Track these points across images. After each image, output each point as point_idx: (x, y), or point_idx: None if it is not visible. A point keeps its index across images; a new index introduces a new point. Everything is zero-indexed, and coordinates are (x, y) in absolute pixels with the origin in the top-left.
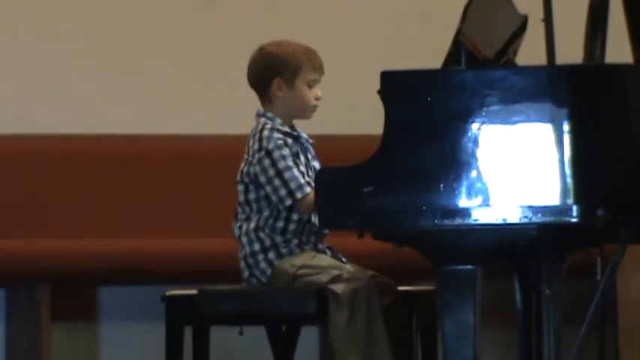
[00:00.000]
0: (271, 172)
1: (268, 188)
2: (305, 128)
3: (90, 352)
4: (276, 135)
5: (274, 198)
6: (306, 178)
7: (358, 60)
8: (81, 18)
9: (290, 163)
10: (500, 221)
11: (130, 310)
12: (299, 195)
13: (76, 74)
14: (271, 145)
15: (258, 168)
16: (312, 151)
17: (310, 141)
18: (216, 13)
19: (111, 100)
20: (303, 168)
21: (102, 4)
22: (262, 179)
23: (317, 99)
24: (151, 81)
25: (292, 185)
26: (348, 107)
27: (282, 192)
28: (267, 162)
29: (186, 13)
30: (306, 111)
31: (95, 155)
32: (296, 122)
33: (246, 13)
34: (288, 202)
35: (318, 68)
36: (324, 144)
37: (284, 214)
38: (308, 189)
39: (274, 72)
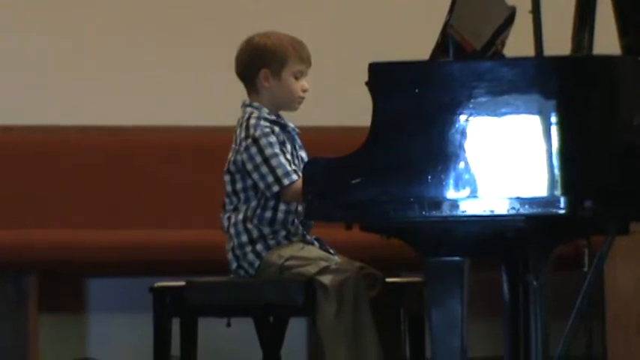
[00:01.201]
0: (258, 159)
1: (255, 175)
2: (292, 119)
3: (78, 343)
4: (263, 123)
5: (261, 185)
6: (293, 167)
7: (346, 51)
8: (69, 11)
9: (277, 150)
10: (487, 213)
11: (118, 302)
12: (286, 182)
13: (65, 67)
14: (258, 133)
15: (245, 155)
16: (299, 140)
17: (297, 130)
18: (204, 4)
19: (98, 92)
20: (289, 156)
21: None
22: (249, 166)
23: (304, 91)
24: (139, 73)
25: (279, 172)
26: (336, 99)
27: (269, 179)
28: (254, 149)
29: (173, 5)
30: (292, 102)
31: (83, 147)
32: (283, 114)
33: (234, 5)
34: (275, 188)
35: (306, 60)
36: (311, 135)
37: (272, 203)
38: (295, 176)
39: (261, 63)
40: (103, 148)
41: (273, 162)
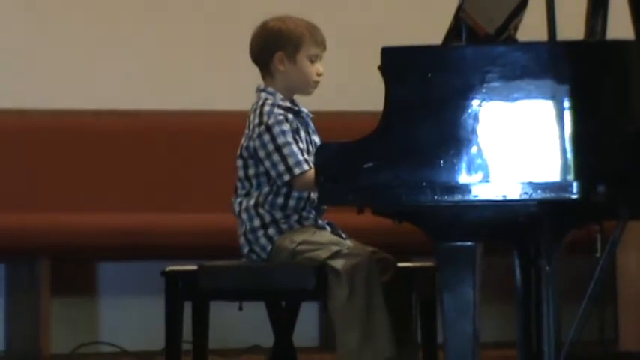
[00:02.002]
0: (270, 147)
1: (267, 163)
2: (305, 104)
3: (90, 327)
4: (277, 110)
5: (273, 173)
6: (305, 156)
7: (359, 36)
8: None
9: (289, 139)
10: (500, 198)
11: (130, 285)
12: (297, 171)
13: (74, 49)
14: (271, 120)
15: (257, 143)
16: (312, 125)
17: (310, 115)
18: None
19: (112, 76)
20: (302, 145)
21: None
22: (261, 154)
23: (319, 75)
24: (151, 56)
25: (291, 161)
26: (348, 83)
27: (281, 167)
28: (266, 137)
29: None
30: (307, 86)
31: (96, 131)
32: (296, 98)
33: None
34: (286, 177)
35: (320, 44)
36: (324, 120)
37: (284, 190)
38: (306, 166)
39: (276, 46)
40: (116, 132)
41: (285, 151)
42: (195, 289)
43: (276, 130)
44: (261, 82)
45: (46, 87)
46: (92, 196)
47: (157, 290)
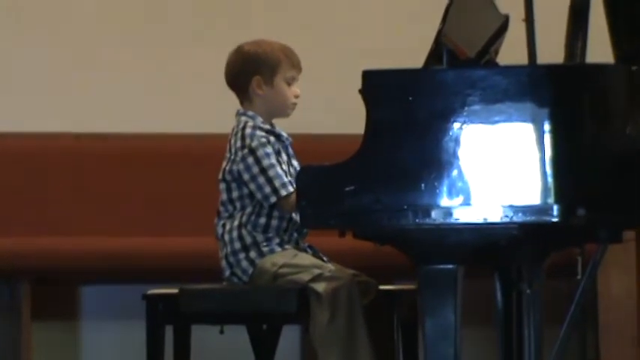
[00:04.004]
0: (255, 169)
1: (252, 186)
2: (287, 127)
3: (70, 351)
4: (259, 133)
5: (259, 196)
6: (288, 177)
7: (339, 59)
8: (64, 21)
9: (273, 161)
10: (481, 220)
11: (111, 309)
12: (283, 192)
13: (58, 72)
14: (255, 143)
15: (241, 166)
16: (292, 150)
17: (290, 140)
18: (196, 13)
19: (93, 98)
20: (285, 166)
21: (83, 3)
22: (246, 177)
23: (296, 97)
24: (132, 79)
25: (277, 183)
26: (329, 106)
27: (267, 189)
28: (250, 160)
29: (166, 15)
30: (286, 108)
31: (77, 153)
32: (276, 120)
33: (225, 14)
34: (273, 199)
35: (296, 65)
36: (305, 143)
37: (266, 210)
38: (291, 188)
39: (253, 70)
40: (97, 155)
41: (271, 173)
42: (177, 313)
43: (260, 152)
44: (239, 107)
45: (27, 110)
46: (73, 219)
47: (138, 314)
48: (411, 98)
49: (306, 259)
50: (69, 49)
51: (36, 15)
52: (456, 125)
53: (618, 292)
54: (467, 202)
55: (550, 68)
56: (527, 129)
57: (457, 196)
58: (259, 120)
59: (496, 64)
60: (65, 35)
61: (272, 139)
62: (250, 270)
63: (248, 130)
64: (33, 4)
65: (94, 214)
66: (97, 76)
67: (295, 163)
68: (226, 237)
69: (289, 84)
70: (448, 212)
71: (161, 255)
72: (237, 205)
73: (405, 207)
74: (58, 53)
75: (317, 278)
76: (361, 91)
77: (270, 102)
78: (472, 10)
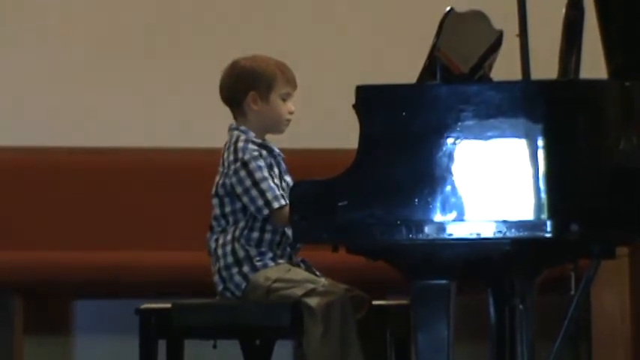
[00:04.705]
0: (248, 182)
1: (245, 199)
2: (280, 141)
3: None
4: (252, 146)
5: (252, 208)
6: (281, 191)
7: (333, 74)
8: (57, 32)
9: (266, 174)
10: (474, 236)
11: (104, 324)
12: (276, 205)
13: (48, 86)
14: (247, 156)
15: (234, 179)
16: (284, 165)
17: (282, 155)
18: (190, 26)
19: (84, 112)
20: (277, 180)
21: (74, 16)
22: (239, 190)
23: (290, 113)
24: (126, 94)
25: (269, 195)
26: (323, 121)
27: (260, 202)
28: (243, 173)
29: (160, 27)
30: (280, 125)
31: (70, 168)
32: (268, 135)
33: (220, 27)
34: (266, 212)
35: (292, 82)
36: (298, 158)
37: (259, 224)
38: (284, 201)
39: (249, 85)
40: (90, 170)
41: (263, 185)
42: (170, 327)
43: (252, 165)
44: (232, 121)
45: (20, 124)
46: (66, 234)
47: (131, 328)
48: (404, 113)
49: (299, 273)
50: (60, 62)
51: (26, 26)
52: (450, 140)
53: (611, 308)
54: (460, 218)
55: (544, 84)
56: (520, 144)
57: (450, 211)
58: (252, 134)
59: (490, 80)
60: (55, 48)
61: (264, 152)
62: (243, 285)
63: (240, 144)
64: (25, 15)
65: (87, 228)
66: (90, 90)
67: (288, 178)
68: (219, 251)
69: (284, 100)
70: (441, 227)
71: (154, 269)
72: (230, 219)
73: (399, 222)
74: (51, 68)
75: (310, 293)
76: (355, 106)
77: (265, 118)
78: (466, 25)
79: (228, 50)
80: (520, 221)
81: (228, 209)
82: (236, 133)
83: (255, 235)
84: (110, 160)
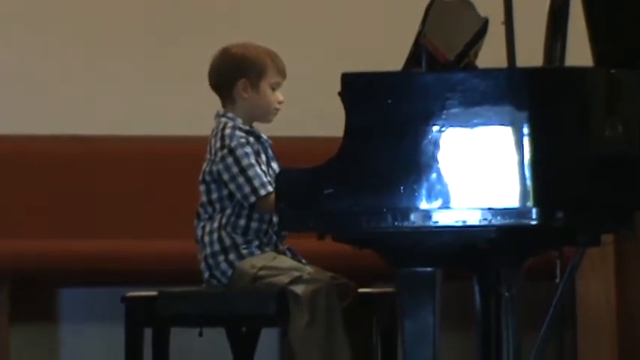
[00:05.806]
0: (235, 169)
1: (232, 186)
2: (266, 130)
3: (49, 354)
4: (239, 133)
5: (238, 195)
6: (267, 178)
7: (319, 61)
8: (42, 22)
9: (253, 161)
10: (460, 223)
11: (90, 312)
12: (263, 192)
13: (42, 74)
14: (234, 143)
15: (221, 166)
16: (271, 152)
17: (270, 142)
18: (179, 15)
19: (70, 100)
20: (264, 167)
21: (70, 5)
22: (226, 177)
23: (279, 102)
24: (110, 81)
25: (256, 183)
26: (308, 109)
27: (246, 189)
28: (230, 159)
29: (150, 16)
30: (268, 114)
31: (55, 156)
32: (257, 123)
33: (209, 16)
34: (252, 199)
35: (282, 71)
36: (284, 146)
37: (246, 211)
38: (271, 188)
39: (240, 73)
40: (75, 158)
41: (250, 172)
42: (156, 316)
43: (239, 152)
44: (220, 108)
45: (3, 112)
46: (51, 222)
47: (117, 317)
48: (390, 101)
49: (285, 261)
50: (50, 51)
51: (20, 16)
52: (435, 128)
53: (596, 295)
54: (446, 205)
55: (529, 71)
56: (506, 132)
57: (436, 199)
58: (239, 121)
59: (475, 67)
60: (48, 37)
61: (251, 139)
62: (229, 272)
63: (227, 131)
64: (20, 5)
65: (72, 216)
66: (74, 77)
67: (275, 165)
68: (206, 239)
69: (274, 89)
70: (427, 215)
71: (140, 257)
72: (217, 206)
73: (384, 210)
74: (34, 55)
75: (296, 281)
76: (340, 94)
77: (254, 106)
78: (452, 12)
79: (215, 38)
80: (505, 209)
81: (215, 196)
82: (223, 119)
83: (242, 222)
84: (95, 148)
